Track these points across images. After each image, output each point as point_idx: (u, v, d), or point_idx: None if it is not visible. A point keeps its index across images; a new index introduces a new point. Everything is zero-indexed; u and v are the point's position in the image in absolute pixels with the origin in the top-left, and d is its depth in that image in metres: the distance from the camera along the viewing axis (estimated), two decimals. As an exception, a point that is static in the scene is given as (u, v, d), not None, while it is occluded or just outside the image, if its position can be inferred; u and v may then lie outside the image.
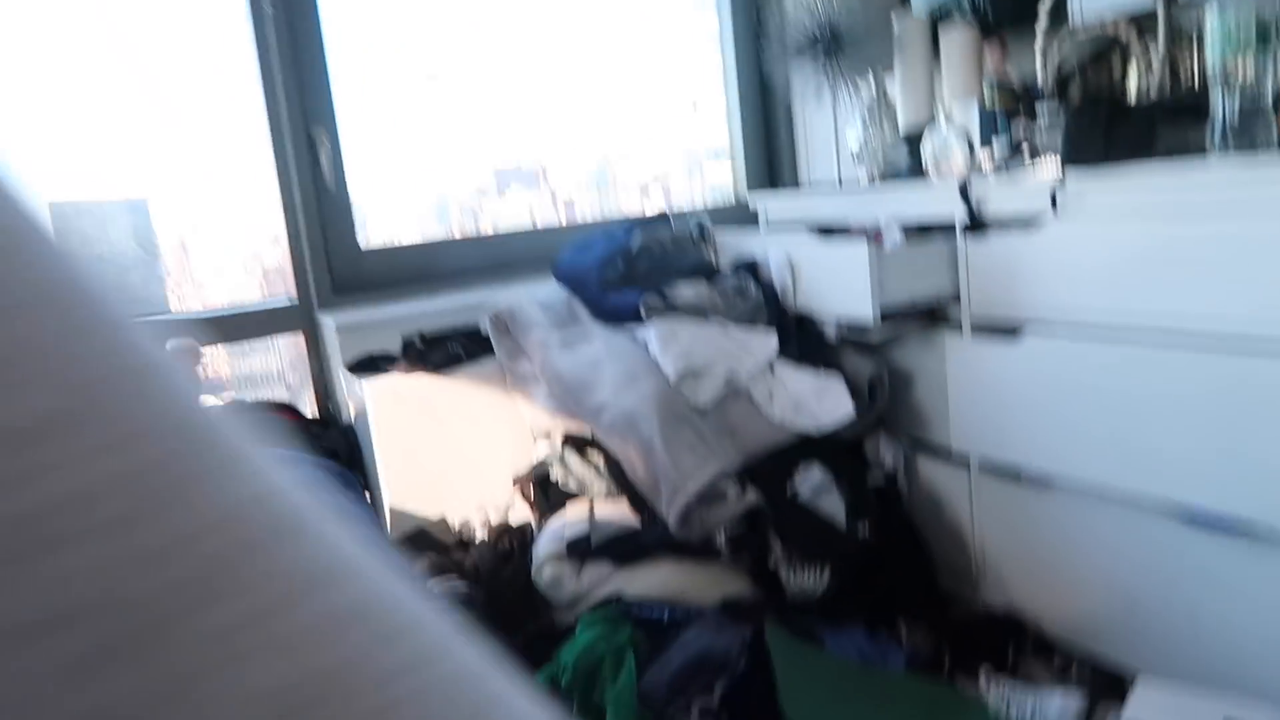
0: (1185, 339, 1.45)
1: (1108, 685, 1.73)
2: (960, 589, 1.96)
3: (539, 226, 2.44)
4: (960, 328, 1.84)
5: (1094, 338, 1.58)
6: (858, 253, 1.79)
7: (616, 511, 1.76)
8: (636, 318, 1.90)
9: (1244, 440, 1.38)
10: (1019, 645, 1.82)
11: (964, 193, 1.76)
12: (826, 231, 2.02)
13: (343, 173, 2.12)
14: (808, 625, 1.74)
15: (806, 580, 1.74)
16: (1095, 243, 1.56)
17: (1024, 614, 1.84)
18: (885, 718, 1.57)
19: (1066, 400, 1.62)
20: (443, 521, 1.87)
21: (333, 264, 2.12)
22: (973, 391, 1.80)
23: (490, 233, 2.40)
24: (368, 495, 1.89)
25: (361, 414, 1.89)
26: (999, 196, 1.73)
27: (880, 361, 1.98)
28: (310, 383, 2.12)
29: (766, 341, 1.88)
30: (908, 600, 1.86)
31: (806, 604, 1.75)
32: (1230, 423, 1.39)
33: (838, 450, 1.89)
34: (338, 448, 1.92)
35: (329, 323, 2.02)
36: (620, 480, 1.74)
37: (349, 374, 1.93)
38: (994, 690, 1.65)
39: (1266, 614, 1.44)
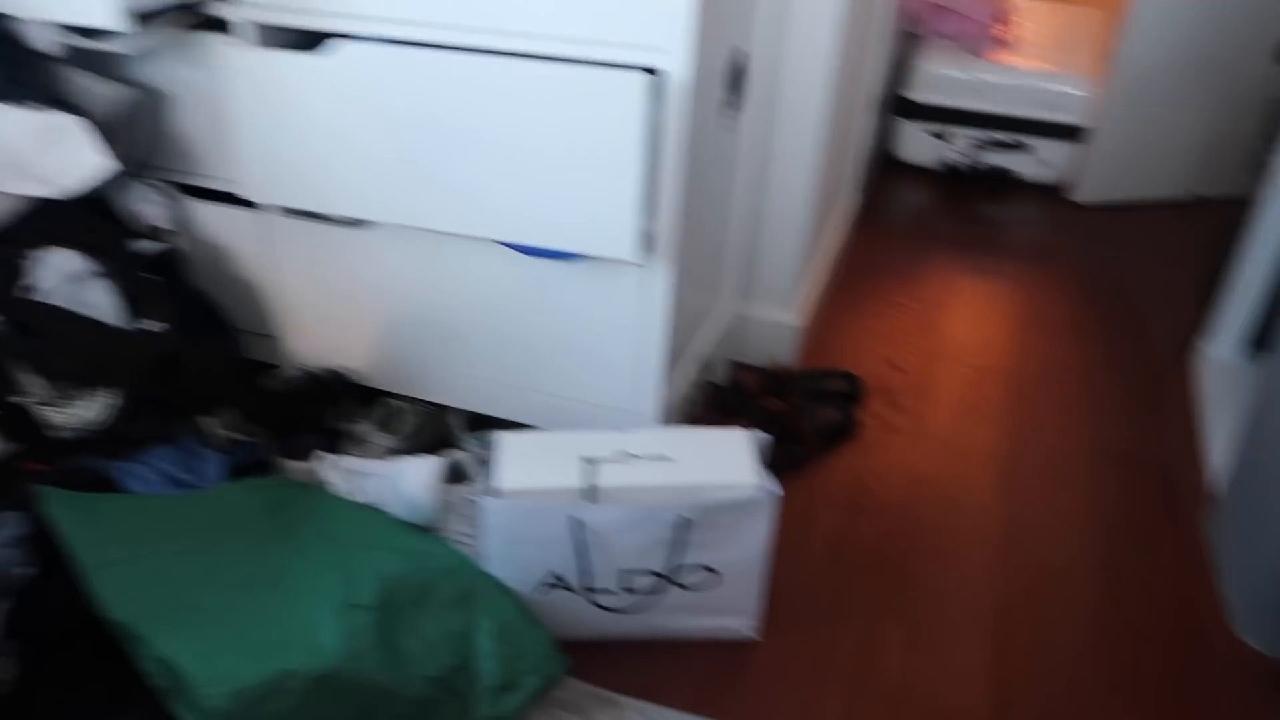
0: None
1: (438, 428, 1.63)
2: (269, 356, 1.64)
3: None
4: (243, 35, 1.37)
5: (414, 51, 1.28)
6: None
7: None
8: None
9: (566, 173, 1.26)
10: (343, 405, 1.61)
11: None
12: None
13: None
14: (95, 470, 1.29)
15: (82, 411, 1.26)
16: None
17: (344, 370, 1.61)
18: (218, 550, 1.25)
19: (382, 128, 1.32)
20: None
21: None
22: (264, 118, 1.38)
23: None
24: None
25: None
26: None
27: (131, 85, 1.41)
28: None
29: (-59, 64, 1.19)
30: (215, 390, 1.49)
31: (87, 441, 1.28)
32: (553, 152, 1.25)
33: (86, 219, 1.35)
34: None
35: None
36: None
37: None
38: (335, 470, 1.43)
39: (590, 328, 1.44)
